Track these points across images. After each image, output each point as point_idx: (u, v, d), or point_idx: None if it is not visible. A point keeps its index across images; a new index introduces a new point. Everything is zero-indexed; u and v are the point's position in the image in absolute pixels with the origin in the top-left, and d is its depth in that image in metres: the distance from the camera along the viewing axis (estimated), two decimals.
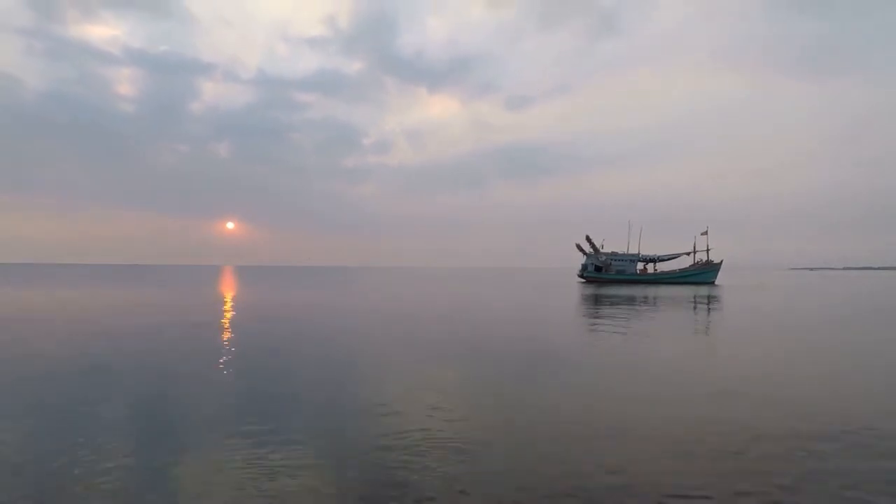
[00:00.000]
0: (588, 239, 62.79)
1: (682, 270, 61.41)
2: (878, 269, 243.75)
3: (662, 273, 61.99)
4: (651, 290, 40.87)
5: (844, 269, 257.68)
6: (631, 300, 29.10)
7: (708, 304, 27.29)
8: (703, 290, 41.83)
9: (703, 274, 59.70)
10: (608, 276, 60.90)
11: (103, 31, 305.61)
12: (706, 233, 60.85)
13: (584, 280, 61.29)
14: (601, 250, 62.50)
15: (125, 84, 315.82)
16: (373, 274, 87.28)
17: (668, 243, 77.81)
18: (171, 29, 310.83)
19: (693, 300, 29.80)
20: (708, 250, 60.73)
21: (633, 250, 63.19)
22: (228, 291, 36.65)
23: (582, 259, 63.23)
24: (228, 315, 19.52)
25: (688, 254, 61.29)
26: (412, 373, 8.92)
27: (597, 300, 29.18)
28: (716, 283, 58.19)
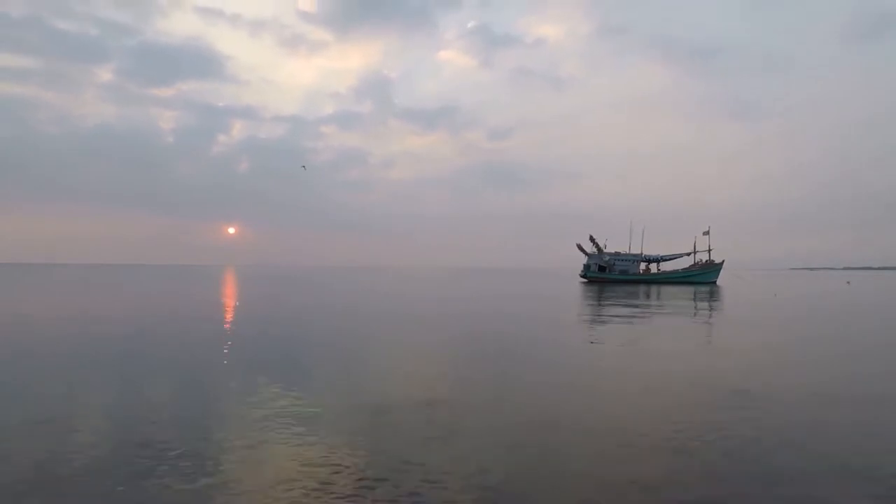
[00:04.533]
0: (592, 239, 63.51)
1: (684, 270, 62.29)
2: (879, 269, 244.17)
3: (665, 273, 62.82)
4: (654, 290, 42.13)
5: (844, 269, 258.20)
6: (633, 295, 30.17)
7: (708, 301, 28.47)
8: (703, 290, 43.07)
9: (704, 274, 60.61)
10: (611, 276, 61.74)
11: (169, 91, 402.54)
12: (708, 233, 61.74)
13: (586, 280, 62.09)
14: (604, 250, 63.34)
15: (169, 121, 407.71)
16: (379, 276, 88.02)
17: (666, 244, 79.01)
18: (222, 88, 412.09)
19: (693, 298, 30.98)
20: (709, 250, 61.60)
21: (633, 251, 63.99)
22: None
23: (583, 259, 63.96)
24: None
25: (688, 254, 62.22)
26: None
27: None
28: (717, 282, 59.19)
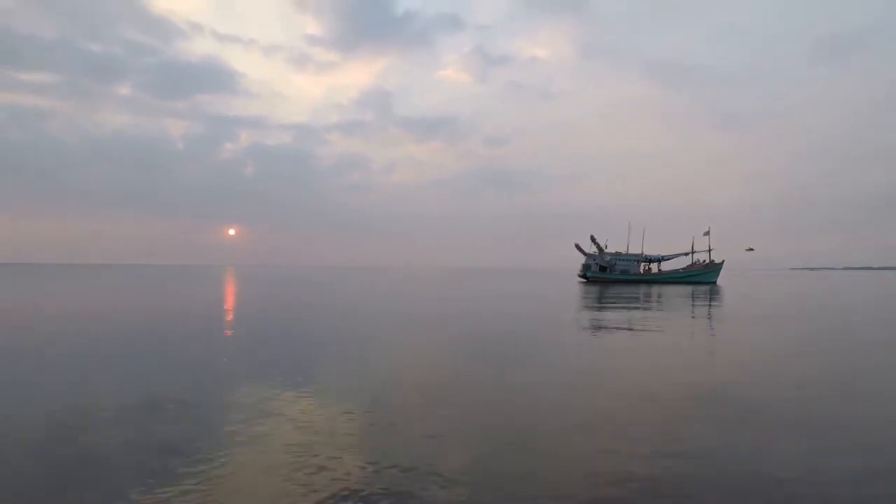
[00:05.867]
0: (593, 239, 63.57)
1: (684, 270, 62.49)
2: (879, 269, 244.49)
3: (665, 273, 63.00)
4: (654, 290, 42.26)
5: (844, 269, 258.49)
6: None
7: (708, 300, 28.57)
8: (703, 289, 43.18)
9: (704, 274, 60.79)
10: (612, 276, 61.83)
11: (183, 104, 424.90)
12: (708, 233, 61.87)
13: (585, 280, 62.13)
14: (605, 251, 63.43)
15: (180, 129, 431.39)
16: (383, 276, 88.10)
17: (666, 245, 79.96)
18: (233, 100, 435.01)
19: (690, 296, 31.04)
20: (710, 251, 61.76)
21: (633, 251, 64.07)
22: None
23: (582, 259, 64.02)
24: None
25: (686, 254, 62.43)
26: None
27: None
28: (717, 282, 59.31)
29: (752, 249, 60.58)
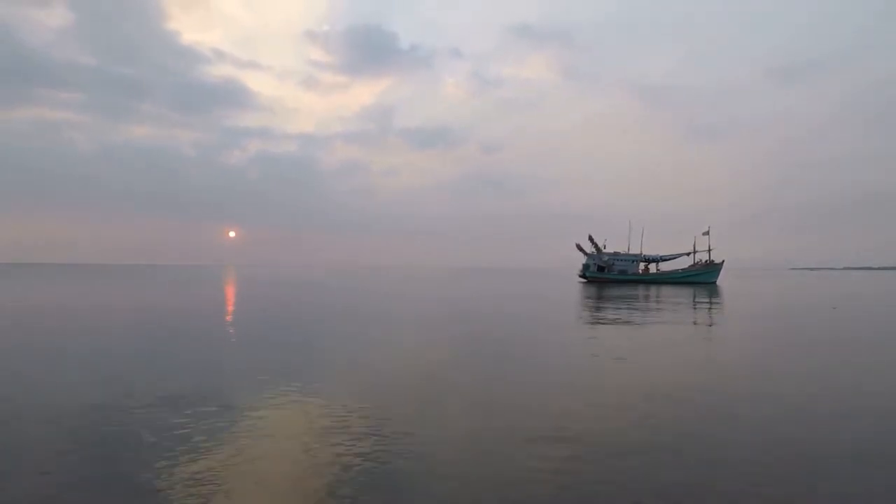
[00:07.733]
0: (591, 239, 63.63)
1: (683, 270, 62.39)
2: (879, 269, 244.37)
3: (664, 273, 62.92)
4: (653, 290, 42.33)
5: (844, 269, 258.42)
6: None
7: (708, 301, 28.66)
8: (702, 290, 43.25)
9: (704, 274, 60.68)
10: (611, 276, 61.89)
11: (201, 119, 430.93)
12: (707, 233, 61.77)
13: (585, 280, 62.22)
14: (603, 250, 63.48)
15: (192, 139, 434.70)
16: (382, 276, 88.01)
17: (665, 245, 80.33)
18: (247, 115, 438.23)
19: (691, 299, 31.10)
20: (710, 251, 61.67)
21: (633, 251, 64.07)
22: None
23: (583, 259, 64.05)
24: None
25: (688, 254, 62.32)
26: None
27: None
28: (717, 283, 59.28)
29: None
